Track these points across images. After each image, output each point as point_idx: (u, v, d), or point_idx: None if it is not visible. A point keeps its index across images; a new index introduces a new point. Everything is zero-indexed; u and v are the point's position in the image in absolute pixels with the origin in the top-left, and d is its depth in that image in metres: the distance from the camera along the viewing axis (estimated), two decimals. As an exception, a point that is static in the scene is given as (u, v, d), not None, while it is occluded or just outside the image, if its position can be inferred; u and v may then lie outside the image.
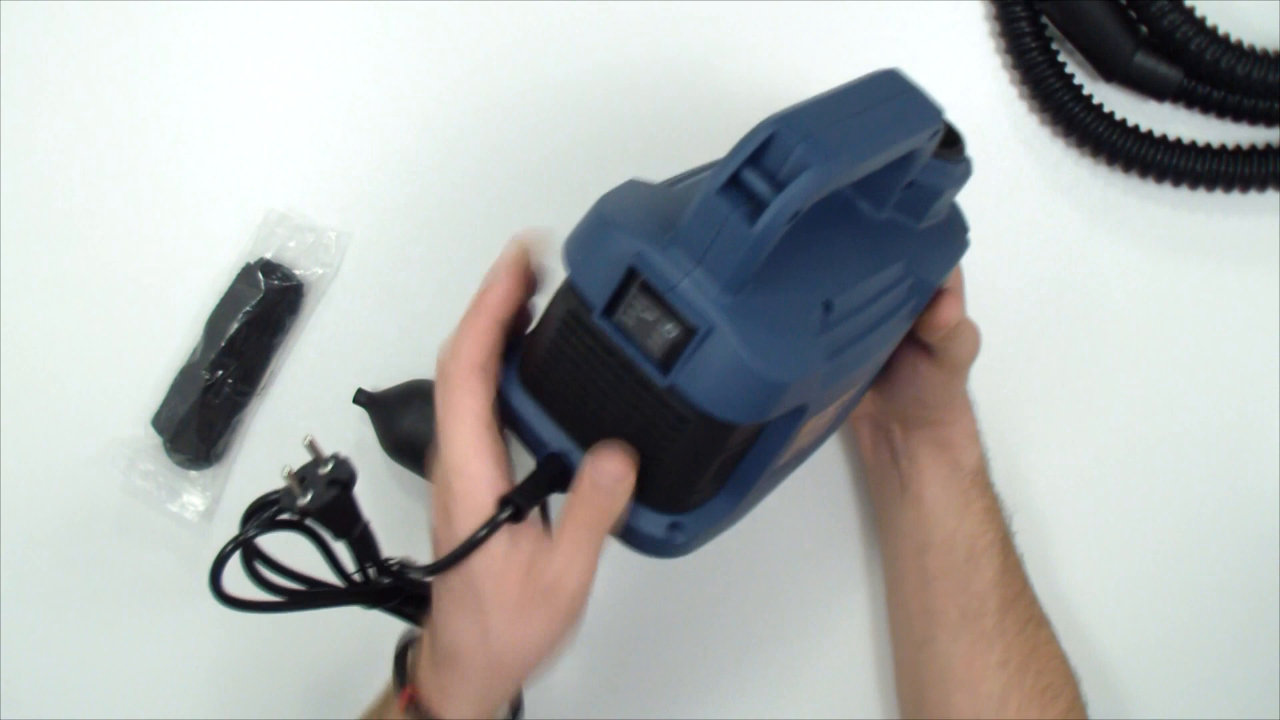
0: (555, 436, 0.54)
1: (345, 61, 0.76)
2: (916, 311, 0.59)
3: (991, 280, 0.69)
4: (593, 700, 0.76)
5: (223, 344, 0.73)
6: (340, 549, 0.56)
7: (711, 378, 0.48)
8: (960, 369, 0.65)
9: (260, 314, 0.73)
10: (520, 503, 0.52)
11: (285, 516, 0.55)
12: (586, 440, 0.53)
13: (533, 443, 0.55)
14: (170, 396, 0.74)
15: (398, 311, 0.75)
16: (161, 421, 0.74)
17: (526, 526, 0.53)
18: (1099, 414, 0.77)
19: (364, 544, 0.57)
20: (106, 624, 0.77)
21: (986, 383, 0.69)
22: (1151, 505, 0.77)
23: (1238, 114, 0.75)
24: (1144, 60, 0.73)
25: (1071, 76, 0.74)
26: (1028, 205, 0.76)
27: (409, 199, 0.76)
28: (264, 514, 0.56)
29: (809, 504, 0.76)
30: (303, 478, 0.56)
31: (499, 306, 0.53)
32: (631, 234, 0.49)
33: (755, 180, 0.47)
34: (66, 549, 0.76)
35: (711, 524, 0.56)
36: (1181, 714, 0.76)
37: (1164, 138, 0.75)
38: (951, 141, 0.59)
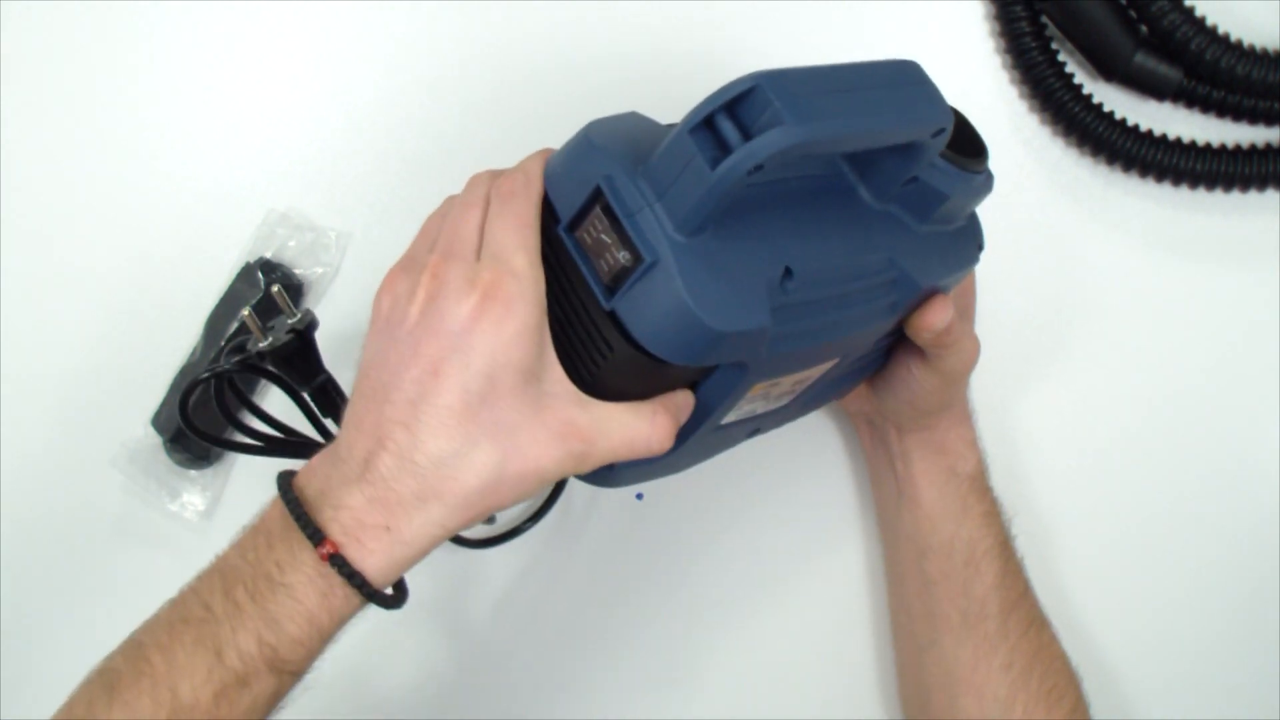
0: None
1: (345, 61, 0.76)
2: (898, 307, 0.59)
3: (991, 280, 0.69)
4: (592, 700, 0.76)
5: (223, 344, 0.73)
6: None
7: (649, 310, 0.49)
8: (955, 378, 0.65)
9: (260, 313, 0.73)
10: None
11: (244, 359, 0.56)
12: None
13: None
14: (170, 396, 0.74)
15: (398, 311, 0.75)
16: (161, 421, 0.74)
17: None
18: (1098, 414, 0.77)
19: (325, 395, 0.58)
20: (106, 624, 0.76)
21: (986, 383, 0.69)
22: (1152, 505, 0.77)
23: (1238, 114, 0.75)
24: (1144, 60, 0.73)
25: (1071, 76, 0.74)
26: (1028, 205, 0.76)
27: (409, 199, 0.76)
28: (244, 353, 0.59)
29: (811, 503, 0.76)
30: (268, 325, 0.57)
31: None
32: (607, 157, 0.50)
33: (727, 127, 0.48)
34: (66, 549, 0.76)
35: (645, 462, 0.56)
36: (1182, 714, 0.76)
37: (1164, 138, 0.75)
38: (975, 152, 0.59)
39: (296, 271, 0.74)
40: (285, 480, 0.51)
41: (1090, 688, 0.69)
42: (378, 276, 0.76)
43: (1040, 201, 0.76)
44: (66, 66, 0.76)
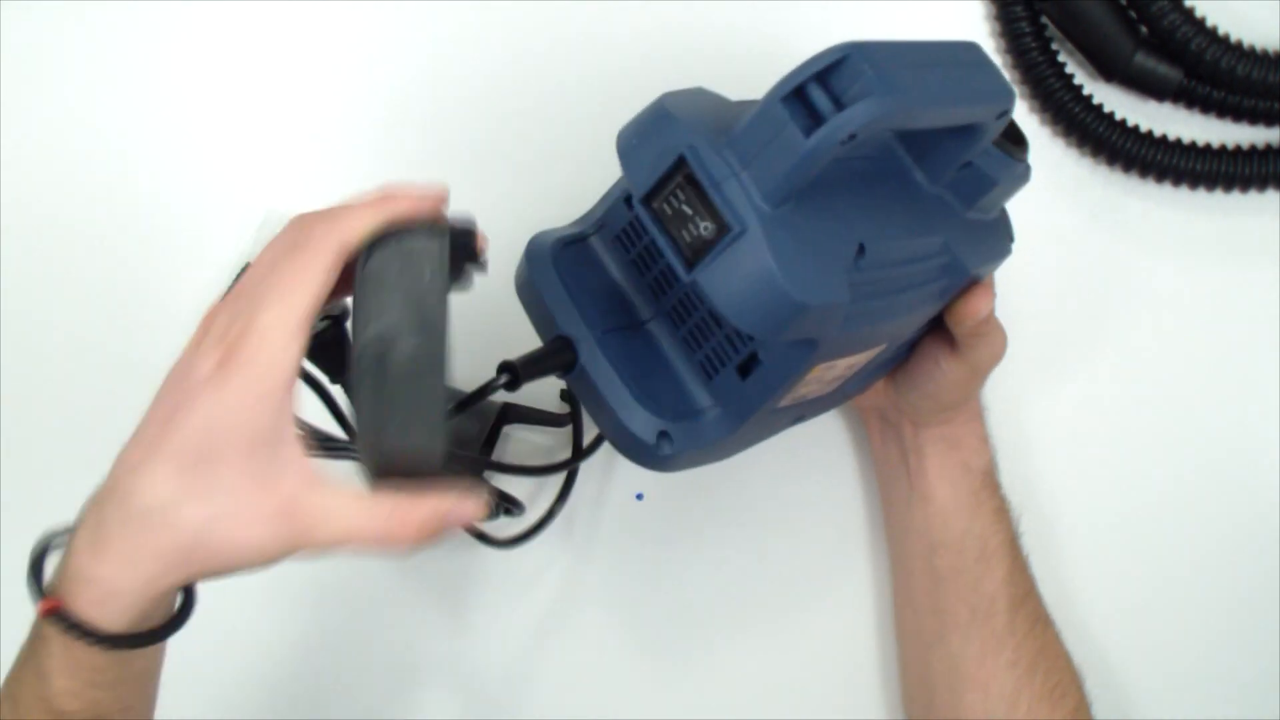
0: (570, 319, 0.55)
1: (345, 61, 0.76)
2: (946, 294, 0.59)
3: (991, 284, 0.69)
4: (592, 698, 0.76)
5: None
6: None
7: (734, 281, 0.49)
8: (980, 371, 0.65)
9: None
10: (518, 371, 0.53)
11: None
12: (598, 327, 0.55)
13: (544, 321, 0.56)
14: (170, 396, 0.74)
15: (398, 311, 0.75)
16: (161, 422, 0.74)
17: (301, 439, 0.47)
18: (1098, 413, 0.77)
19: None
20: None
21: (989, 381, 0.69)
22: (1153, 504, 0.77)
23: (1238, 114, 0.75)
24: (1144, 60, 0.73)
25: (1071, 76, 0.74)
26: (1028, 205, 0.76)
27: (409, 199, 0.76)
28: None
29: (815, 500, 0.76)
30: None
31: (404, 212, 0.49)
32: (689, 127, 0.50)
33: (819, 95, 0.48)
34: (66, 549, 0.76)
35: (701, 443, 0.56)
36: (1183, 713, 0.76)
37: (1164, 138, 0.75)
38: (1017, 141, 0.59)
39: (296, 272, 0.74)
40: (45, 537, 0.50)
41: (1093, 686, 0.69)
42: (378, 276, 0.76)
43: (1040, 202, 0.76)
44: (66, 66, 0.76)
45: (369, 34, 0.76)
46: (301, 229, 0.48)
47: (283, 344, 0.46)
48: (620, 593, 0.76)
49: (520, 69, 0.76)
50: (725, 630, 0.76)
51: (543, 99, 0.76)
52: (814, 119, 0.48)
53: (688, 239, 0.49)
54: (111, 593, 0.46)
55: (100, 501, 0.48)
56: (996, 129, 0.56)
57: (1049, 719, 0.66)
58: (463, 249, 0.52)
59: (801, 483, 0.76)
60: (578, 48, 0.76)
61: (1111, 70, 0.74)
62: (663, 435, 0.55)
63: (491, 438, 0.72)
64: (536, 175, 0.76)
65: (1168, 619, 0.77)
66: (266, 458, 0.46)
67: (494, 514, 0.69)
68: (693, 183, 0.49)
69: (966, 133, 0.56)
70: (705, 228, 0.49)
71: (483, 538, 0.70)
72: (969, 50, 0.56)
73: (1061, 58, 0.75)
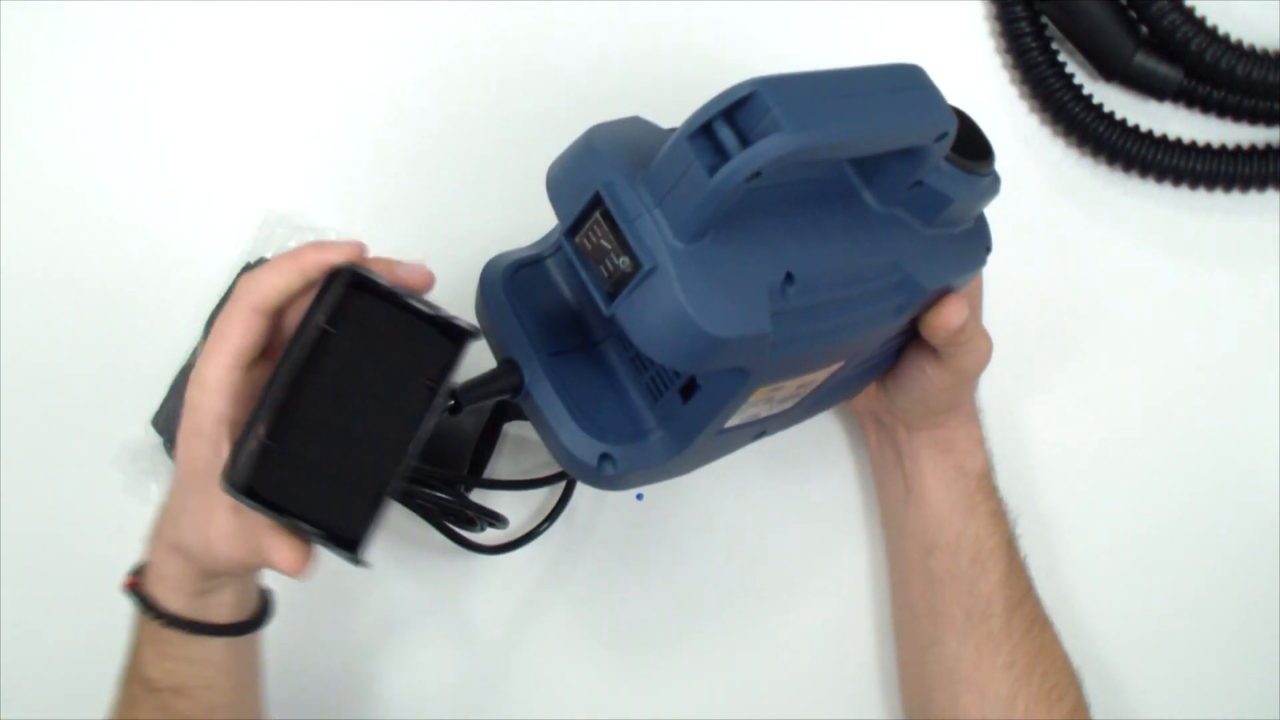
0: (516, 343, 0.56)
1: (345, 61, 0.76)
2: (905, 310, 0.59)
3: (991, 280, 0.69)
4: (592, 699, 0.76)
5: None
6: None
7: (648, 316, 0.49)
8: (967, 377, 0.65)
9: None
10: (460, 397, 0.54)
11: None
12: (544, 349, 0.56)
13: (495, 345, 0.57)
14: (170, 396, 0.74)
15: (398, 311, 0.75)
16: (161, 421, 0.74)
17: None
18: (1099, 413, 0.77)
19: None
20: (106, 624, 0.77)
21: (987, 382, 0.69)
22: (1152, 505, 0.77)
23: (1238, 114, 0.75)
24: (1144, 60, 0.73)
25: (1071, 76, 0.74)
26: (1028, 205, 0.76)
27: (409, 199, 0.76)
28: None
29: (812, 503, 0.76)
30: None
31: (317, 268, 0.53)
32: (607, 163, 0.50)
33: (725, 133, 0.48)
34: (67, 549, 0.76)
35: (645, 464, 0.57)
36: (1182, 714, 0.76)
37: (1164, 138, 0.75)
38: (981, 154, 0.59)
39: (296, 272, 0.74)
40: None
41: (1091, 688, 0.69)
42: (378, 277, 0.76)
43: (1040, 202, 0.76)
44: (66, 66, 0.76)
45: (369, 35, 0.76)
46: (234, 289, 0.54)
47: (211, 390, 0.52)
48: (619, 592, 0.76)
49: (525, 83, 0.76)
50: (723, 630, 0.76)
51: (544, 100, 0.76)
52: (720, 156, 0.48)
53: (606, 274, 0.50)
54: (161, 577, 0.57)
55: (163, 503, 0.58)
56: (939, 150, 0.56)
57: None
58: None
59: (799, 484, 0.76)
60: (570, 60, 0.76)
61: (1111, 70, 0.74)
62: (604, 458, 0.56)
63: (490, 434, 0.72)
64: (540, 175, 0.75)
65: (1167, 619, 0.77)
66: (209, 486, 0.52)
67: (478, 528, 0.69)
68: (608, 219, 0.50)
69: (909, 155, 0.56)
70: (623, 262, 0.49)
71: (470, 545, 0.71)
72: (907, 74, 0.55)
73: (1061, 58, 0.75)
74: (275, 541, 0.53)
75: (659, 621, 0.76)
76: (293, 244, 0.74)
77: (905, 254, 0.58)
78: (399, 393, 0.51)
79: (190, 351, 0.74)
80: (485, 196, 0.76)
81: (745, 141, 0.47)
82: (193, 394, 0.52)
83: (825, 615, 0.76)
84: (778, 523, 0.76)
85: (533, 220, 0.75)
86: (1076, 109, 0.74)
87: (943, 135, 0.55)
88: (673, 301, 0.49)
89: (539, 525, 0.72)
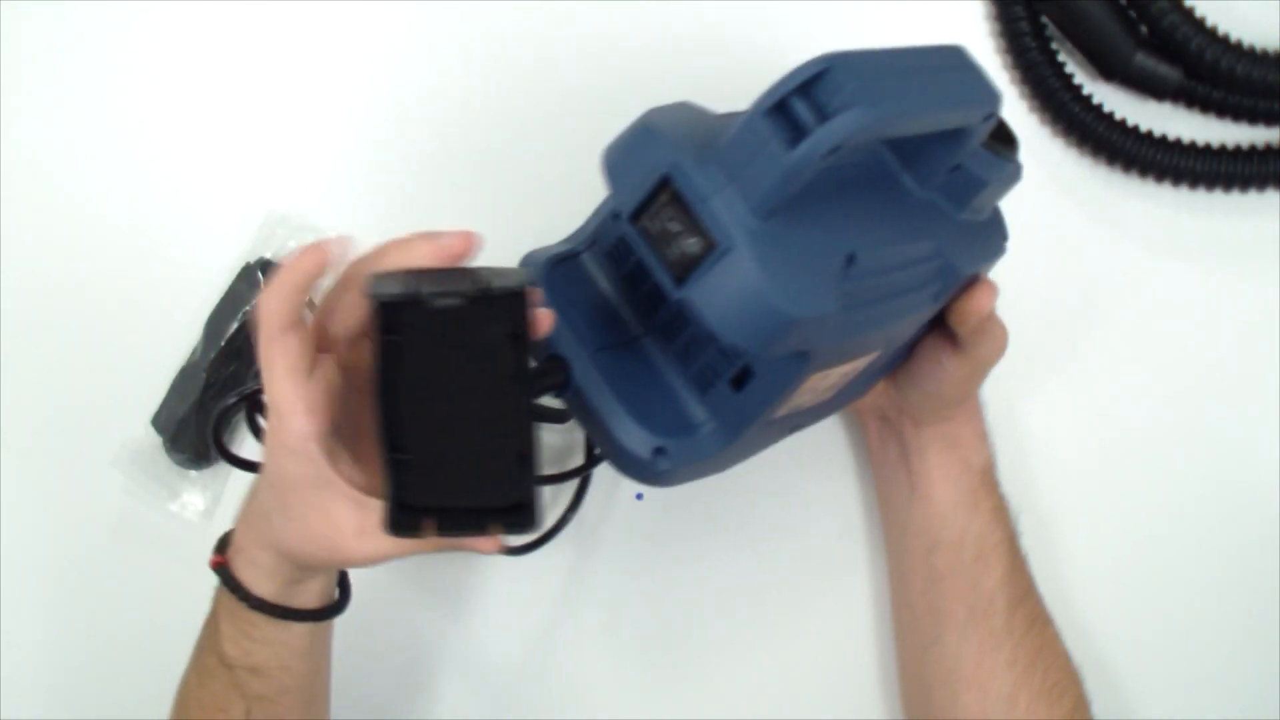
0: (562, 339, 0.55)
1: (345, 61, 0.76)
2: (941, 296, 0.59)
3: (992, 281, 0.69)
4: (593, 698, 0.76)
5: (222, 344, 0.73)
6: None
7: (723, 297, 0.49)
8: (983, 366, 0.65)
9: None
10: None
11: None
12: (591, 345, 0.55)
13: (539, 342, 0.56)
14: (170, 396, 0.74)
15: (398, 311, 0.75)
16: (161, 421, 0.74)
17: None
18: (1098, 413, 0.77)
19: None
20: (107, 624, 0.77)
21: (987, 381, 0.69)
22: (1152, 504, 0.77)
23: (1238, 114, 0.75)
24: (1144, 60, 0.73)
25: (1071, 76, 0.74)
26: (1028, 205, 0.75)
27: (409, 199, 0.76)
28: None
29: (812, 501, 0.76)
30: None
31: (304, 274, 0.53)
32: (672, 144, 0.50)
33: (802, 109, 0.48)
34: (66, 549, 0.76)
35: (697, 457, 0.56)
36: (1182, 713, 0.76)
37: (1164, 138, 0.75)
38: (1006, 141, 0.59)
39: (296, 272, 0.74)
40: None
41: (1091, 686, 0.69)
42: (378, 277, 0.76)
43: (1040, 202, 0.76)
44: (66, 66, 0.76)
45: (370, 35, 0.76)
46: (256, 329, 0.54)
47: (285, 412, 0.53)
48: (618, 591, 0.76)
49: (526, 82, 0.76)
50: (723, 630, 0.76)
51: (544, 99, 0.76)
52: (797, 132, 0.48)
53: (675, 256, 0.50)
54: (252, 562, 0.58)
55: (251, 493, 0.59)
56: (983, 131, 0.56)
57: (1048, 718, 0.66)
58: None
59: (799, 483, 0.76)
60: (571, 59, 0.76)
61: (1111, 70, 0.74)
62: (658, 451, 0.55)
63: None
64: (540, 175, 0.76)
65: (1167, 618, 0.77)
66: (311, 495, 0.54)
67: None
68: (678, 200, 0.49)
69: (953, 136, 0.56)
70: (692, 244, 0.49)
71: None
72: (953, 54, 0.55)
73: (1061, 58, 0.75)
74: (462, 541, 0.54)
75: (657, 620, 0.76)
76: (293, 244, 0.74)
77: (944, 239, 0.58)
78: (489, 365, 0.50)
79: (190, 351, 0.74)
80: (486, 196, 0.76)
81: (823, 116, 0.47)
82: (272, 421, 0.53)
83: (824, 614, 0.77)
84: (777, 522, 0.76)
85: (533, 220, 0.75)
86: (1076, 109, 0.74)
87: (989, 115, 0.55)
88: (750, 280, 0.48)
89: (557, 523, 0.72)
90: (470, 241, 0.53)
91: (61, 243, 0.76)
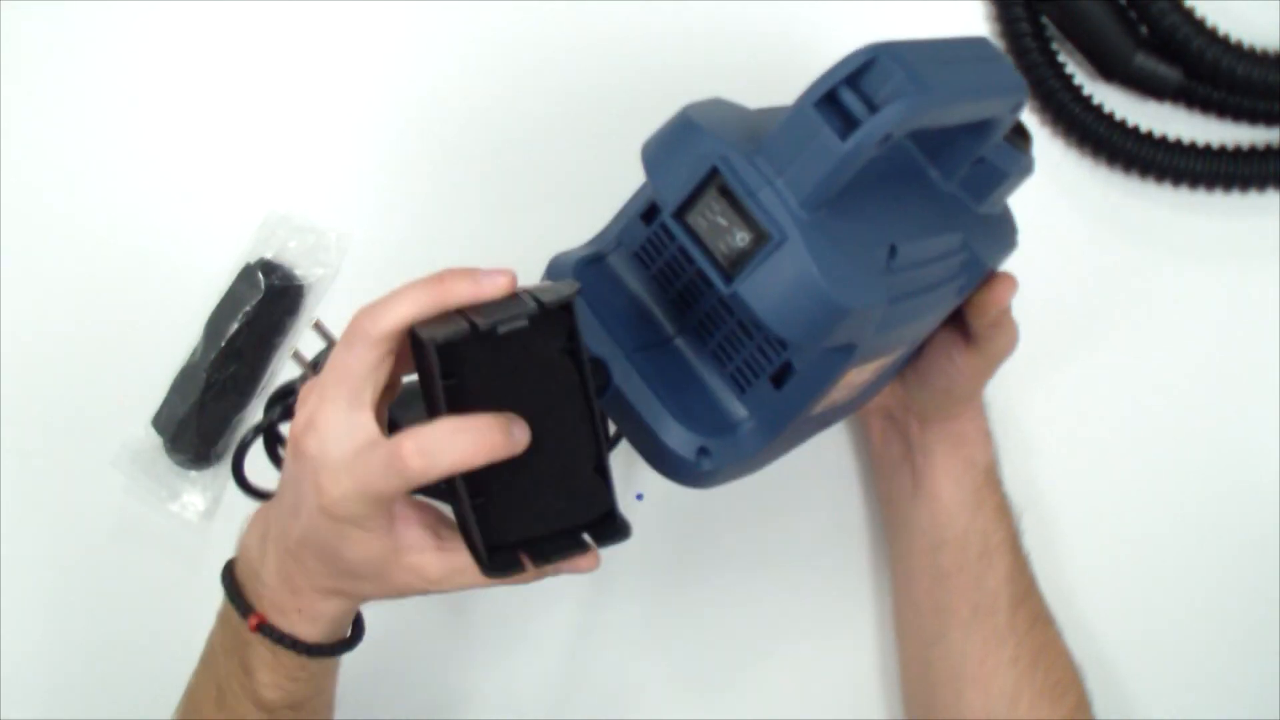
0: (599, 341, 0.55)
1: (345, 62, 0.76)
2: (965, 290, 0.59)
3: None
4: (593, 698, 0.76)
5: (223, 344, 0.73)
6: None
7: (776, 289, 0.49)
8: (994, 362, 0.65)
9: (260, 314, 0.73)
10: None
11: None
12: (628, 346, 0.55)
13: None
14: (170, 396, 0.74)
15: (398, 312, 0.75)
16: (161, 421, 0.74)
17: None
18: (1098, 413, 0.77)
19: None
20: (107, 624, 0.77)
21: (990, 381, 0.69)
22: (1152, 503, 0.77)
23: (1238, 114, 0.75)
24: (1144, 60, 0.73)
25: (1071, 76, 0.74)
26: (1028, 205, 0.75)
27: (409, 199, 0.76)
28: (285, 401, 0.57)
29: (813, 500, 0.76)
30: (315, 363, 0.56)
31: (462, 294, 0.50)
32: (717, 137, 0.49)
33: (851, 99, 0.48)
34: (67, 549, 0.76)
35: (740, 456, 0.56)
36: (1183, 712, 0.76)
37: (1164, 138, 0.75)
38: (1022, 135, 0.60)
39: (297, 273, 0.74)
40: (227, 567, 0.59)
41: (1092, 685, 0.69)
42: (378, 278, 0.75)
43: (1040, 202, 0.76)
44: (66, 66, 0.76)
45: (370, 35, 0.76)
46: (350, 325, 0.51)
47: (334, 460, 0.50)
48: (617, 590, 0.76)
49: (526, 82, 0.76)
50: (723, 629, 0.76)
51: (544, 100, 0.76)
52: (848, 122, 0.48)
53: (724, 250, 0.49)
54: (312, 618, 0.56)
55: (284, 553, 0.55)
56: (1009, 121, 0.57)
57: (1050, 717, 0.66)
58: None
59: (800, 482, 0.76)
60: (573, 60, 0.76)
61: (1111, 70, 0.74)
62: (702, 451, 0.55)
63: None
64: (539, 175, 0.76)
65: (1168, 617, 0.77)
66: (392, 561, 0.52)
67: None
68: (727, 193, 0.49)
69: (980, 128, 0.56)
70: (742, 238, 0.49)
71: None
72: (981, 45, 0.56)
73: (1061, 58, 0.75)
74: (561, 564, 0.53)
75: (657, 621, 0.76)
76: (293, 244, 0.74)
77: (969, 231, 0.58)
78: (552, 383, 0.50)
79: (190, 351, 0.74)
80: (485, 196, 0.76)
81: (872, 106, 0.47)
82: (326, 481, 0.51)
83: (825, 613, 0.76)
84: (777, 522, 0.76)
85: (533, 218, 0.75)
86: (1076, 109, 0.74)
87: (1017, 105, 0.55)
88: (804, 272, 0.48)
89: None
90: (510, 280, 0.50)
91: (62, 243, 0.76)
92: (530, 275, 0.60)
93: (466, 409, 0.48)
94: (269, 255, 0.74)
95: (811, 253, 0.48)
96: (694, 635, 0.76)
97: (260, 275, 0.73)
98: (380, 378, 0.51)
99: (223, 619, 0.59)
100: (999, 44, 0.76)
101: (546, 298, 0.49)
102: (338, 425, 0.50)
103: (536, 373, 0.50)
